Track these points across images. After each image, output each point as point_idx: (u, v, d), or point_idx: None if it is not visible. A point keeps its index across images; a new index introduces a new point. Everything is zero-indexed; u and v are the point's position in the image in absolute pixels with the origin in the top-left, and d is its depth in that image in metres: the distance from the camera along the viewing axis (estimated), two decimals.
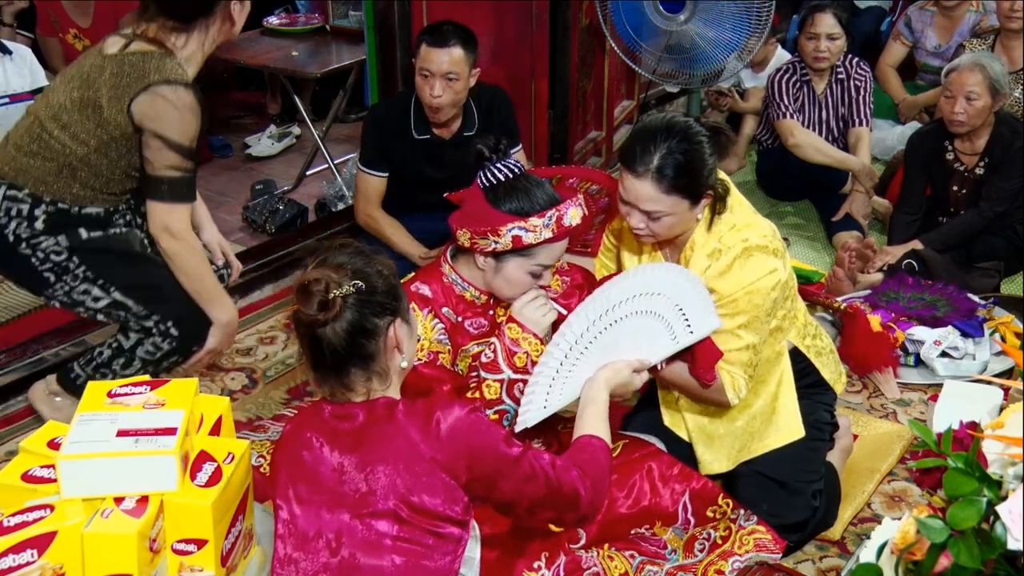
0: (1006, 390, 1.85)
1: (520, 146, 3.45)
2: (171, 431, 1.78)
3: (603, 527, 2.17)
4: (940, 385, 2.49)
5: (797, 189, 4.40)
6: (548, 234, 2.09)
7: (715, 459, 2.38)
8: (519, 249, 2.10)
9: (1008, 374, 3.01)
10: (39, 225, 2.48)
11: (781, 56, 4.84)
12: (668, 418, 2.44)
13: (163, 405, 1.85)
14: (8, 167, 2.50)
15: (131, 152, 2.46)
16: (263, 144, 4.98)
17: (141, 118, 2.38)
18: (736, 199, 2.24)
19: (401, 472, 1.70)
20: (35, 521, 1.69)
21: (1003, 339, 3.15)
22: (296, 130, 5.13)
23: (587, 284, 2.34)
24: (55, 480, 1.76)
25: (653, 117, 2.17)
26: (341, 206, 4.14)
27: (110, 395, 1.87)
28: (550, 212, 2.08)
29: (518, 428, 2.02)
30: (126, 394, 1.88)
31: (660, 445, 2.36)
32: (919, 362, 3.14)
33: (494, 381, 2.12)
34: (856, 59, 4.22)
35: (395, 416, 1.72)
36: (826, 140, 4.19)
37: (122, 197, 2.58)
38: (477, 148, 2.13)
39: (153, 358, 2.63)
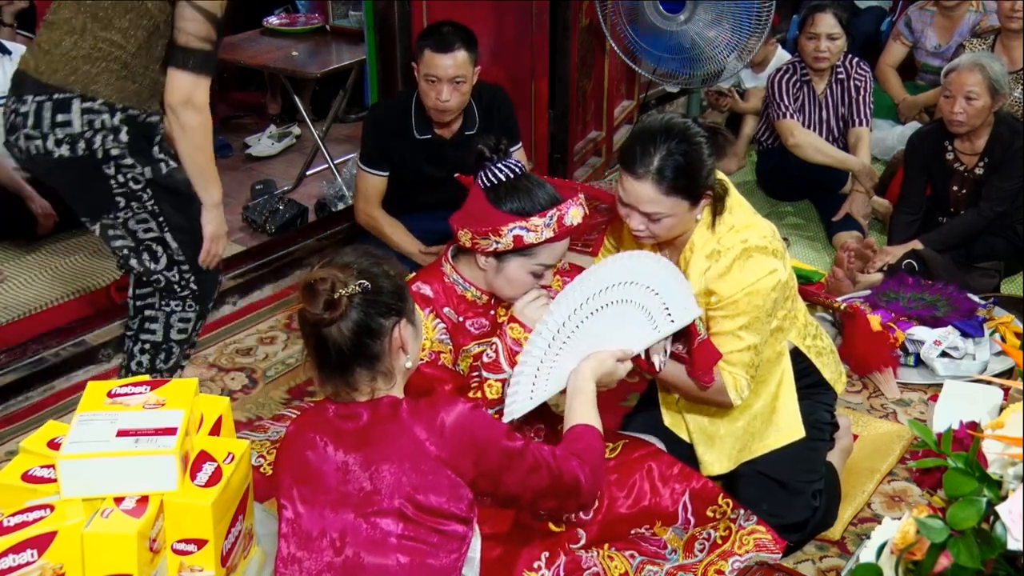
0: (1006, 390, 1.85)
1: (520, 145, 3.45)
2: (171, 431, 1.78)
3: (603, 527, 2.17)
4: (940, 385, 2.49)
5: (797, 189, 4.40)
6: (549, 234, 2.09)
7: (716, 459, 2.38)
8: (520, 249, 2.10)
9: (1008, 374, 3.01)
10: (123, 137, 2.44)
11: (781, 56, 4.84)
12: (668, 419, 2.44)
13: (163, 405, 1.85)
14: (72, 77, 2.41)
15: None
16: (263, 144, 4.98)
17: None
18: (735, 200, 2.24)
19: (407, 471, 1.70)
20: (35, 521, 1.69)
21: (1003, 339, 3.15)
22: (296, 130, 5.13)
23: None
24: (55, 480, 1.76)
25: (652, 119, 2.18)
26: (341, 206, 4.14)
27: (110, 395, 1.87)
28: (551, 212, 2.09)
29: (505, 419, 2.03)
30: (126, 394, 1.88)
31: (660, 445, 2.36)
32: (919, 362, 3.14)
33: (496, 381, 2.12)
34: (856, 59, 4.22)
35: (399, 415, 1.73)
36: (826, 140, 4.19)
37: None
38: (478, 148, 2.13)
39: (186, 335, 2.68)
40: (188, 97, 2.45)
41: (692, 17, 4.12)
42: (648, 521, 2.21)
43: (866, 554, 1.62)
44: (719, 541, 2.27)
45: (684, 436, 2.41)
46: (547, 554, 2.10)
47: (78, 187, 2.54)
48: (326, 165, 4.47)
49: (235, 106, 5.61)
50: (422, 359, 2.11)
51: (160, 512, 1.77)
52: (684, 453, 2.36)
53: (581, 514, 2.14)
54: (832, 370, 2.48)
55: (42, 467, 1.83)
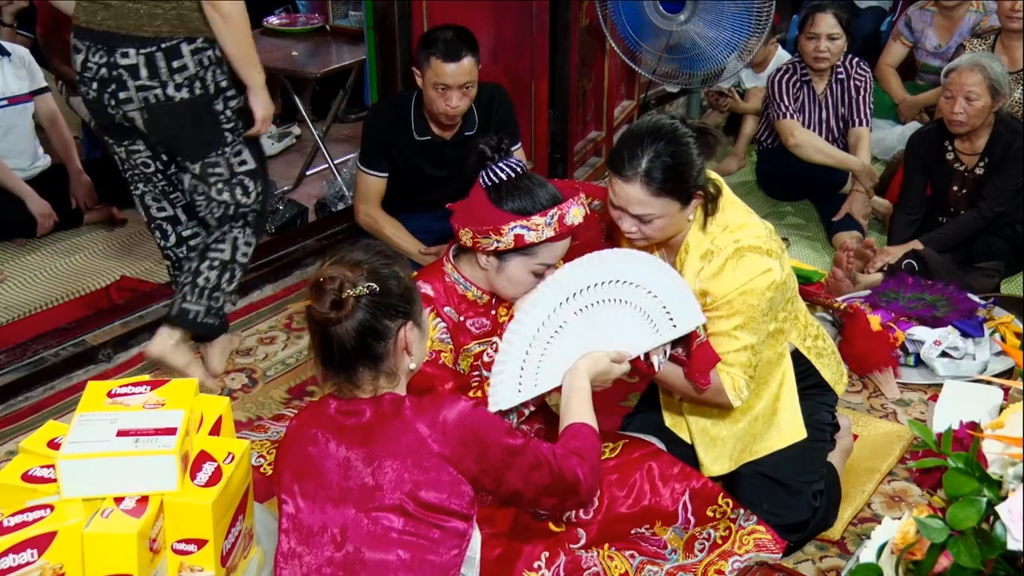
0: (1006, 390, 1.85)
1: (519, 144, 3.45)
2: (171, 431, 1.78)
3: (603, 527, 2.17)
4: (940, 385, 2.49)
5: (797, 189, 4.40)
6: (550, 233, 2.09)
7: (716, 460, 2.38)
8: (521, 248, 2.10)
9: (1008, 374, 3.01)
10: (225, 67, 2.64)
11: (781, 56, 4.84)
12: (670, 420, 2.44)
13: (163, 405, 1.85)
14: (169, 25, 2.54)
15: None
16: (263, 144, 4.98)
17: None
18: (728, 200, 2.24)
19: (409, 467, 1.71)
20: (35, 521, 1.69)
21: (1003, 339, 3.15)
22: (296, 130, 5.13)
23: None
24: (55, 480, 1.76)
25: (639, 121, 2.19)
26: (341, 206, 4.14)
27: (110, 395, 1.87)
28: (552, 211, 2.09)
29: (491, 409, 2.04)
30: (126, 394, 1.88)
31: (660, 445, 2.36)
32: (919, 362, 3.14)
33: None
34: (856, 59, 4.22)
35: (402, 412, 1.74)
36: (826, 140, 4.19)
37: None
38: (479, 148, 2.14)
39: (247, 260, 2.86)
40: None
41: (692, 17, 4.12)
42: (648, 521, 2.21)
43: (866, 554, 1.62)
44: (719, 541, 2.27)
45: (685, 437, 2.41)
46: (547, 554, 2.10)
47: (190, 128, 2.65)
48: (326, 165, 4.47)
49: None
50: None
51: (160, 512, 1.77)
52: (684, 453, 2.36)
53: (581, 514, 2.14)
54: (833, 371, 2.48)
55: (42, 467, 1.83)
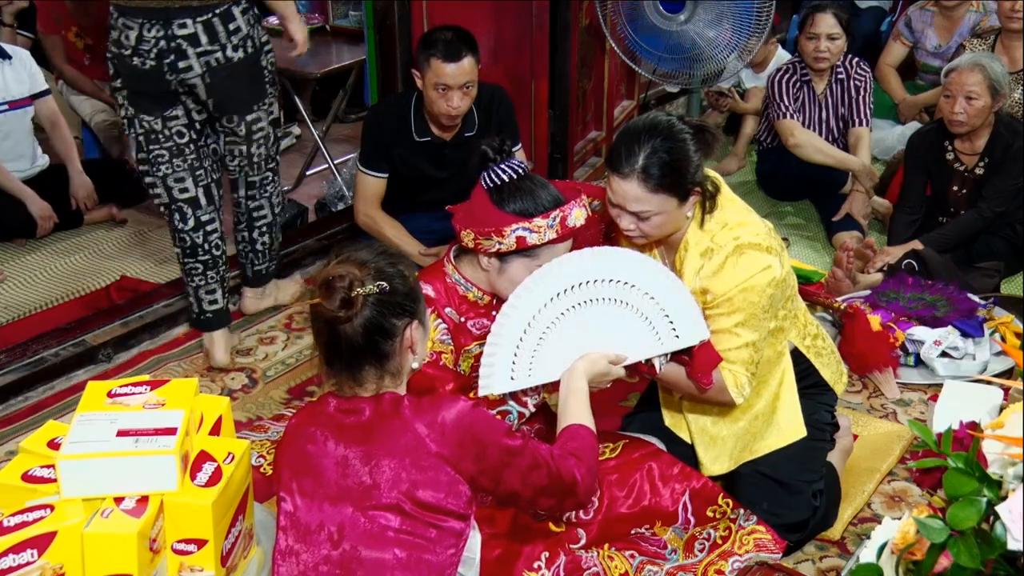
0: (1006, 390, 1.85)
1: (520, 144, 3.45)
2: (171, 431, 1.78)
3: (603, 527, 2.17)
4: (940, 385, 2.49)
5: (797, 189, 4.40)
6: (552, 235, 2.10)
7: (716, 459, 2.38)
8: (523, 250, 2.11)
9: (1008, 374, 3.01)
10: (263, 24, 2.92)
11: (781, 56, 4.84)
12: (669, 419, 2.44)
13: (163, 405, 1.85)
14: None
15: None
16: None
17: None
18: (727, 197, 2.24)
19: (407, 466, 1.71)
20: (35, 521, 1.69)
21: (1003, 339, 3.15)
22: (296, 130, 5.13)
23: None
24: (55, 480, 1.76)
25: (636, 119, 2.19)
26: (341, 206, 4.14)
27: (110, 395, 1.87)
28: (554, 213, 2.09)
29: (480, 393, 2.05)
30: (126, 394, 1.88)
31: (660, 445, 2.36)
32: (919, 362, 3.14)
33: None
34: (856, 59, 4.22)
35: (402, 411, 1.74)
36: (826, 140, 4.18)
37: None
38: (481, 149, 2.14)
39: (280, 209, 3.25)
40: None
41: (692, 17, 4.12)
42: (648, 521, 2.21)
43: (866, 554, 1.62)
44: (719, 541, 2.27)
45: (685, 436, 2.41)
46: (547, 554, 2.10)
47: (245, 83, 2.89)
48: (326, 165, 4.46)
49: None
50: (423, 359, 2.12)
51: (160, 512, 1.77)
52: (684, 453, 2.36)
53: (581, 514, 2.14)
54: (832, 371, 2.48)
55: (42, 467, 1.83)
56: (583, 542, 2.15)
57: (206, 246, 3.06)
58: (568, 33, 4.10)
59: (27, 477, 1.82)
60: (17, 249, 3.92)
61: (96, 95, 4.54)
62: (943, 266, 3.50)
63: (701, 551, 2.25)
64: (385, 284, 1.72)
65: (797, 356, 2.40)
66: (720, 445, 2.37)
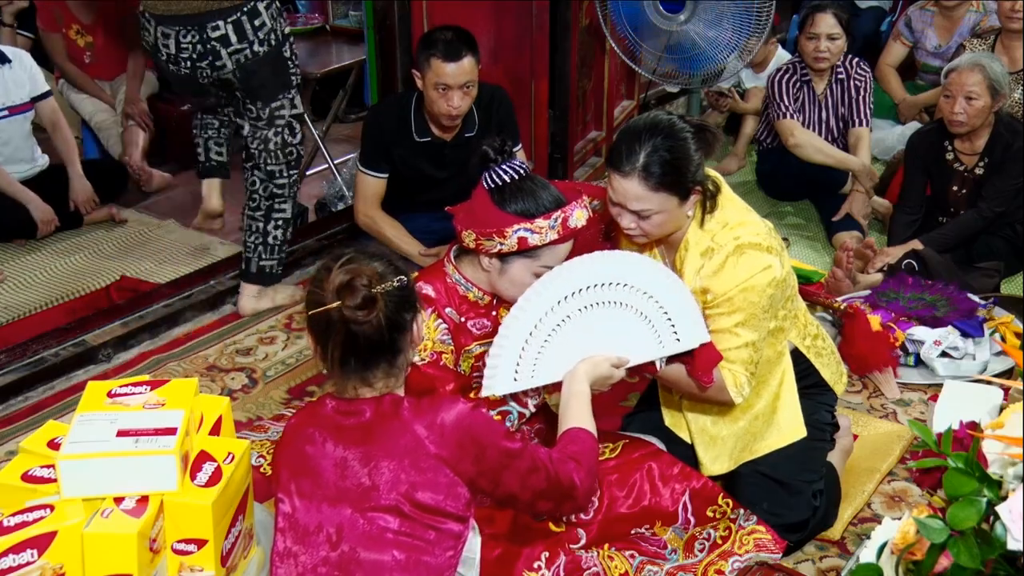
0: (1006, 390, 1.85)
1: (520, 144, 3.45)
2: (171, 431, 1.78)
3: (603, 527, 2.17)
4: (940, 385, 2.49)
5: (797, 189, 4.40)
6: (554, 236, 2.10)
7: (716, 459, 2.38)
8: (525, 250, 2.11)
9: (1008, 374, 3.01)
10: (284, 14, 3.08)
11: (781, 56, 4.84)
12: (669, 419, 2.44)
13: (163, 405, 1.85)
14: None
15: None
16: None
17: None
18: (727, 197, 2.24)
19: (406, 468, 1.71)
20: (35, 521, 1.69)
21: (1003, 339, 3.15)
22: None
23: None
24: (55, 480, 1.76)
25: (637, 118, 2.19)
26: (341, 206, 4.14)
27: (110, 395, 1.87)
28: (556, 213, 2.10)
29: (484, 393, 2.05)
30: (126, 394, 1.88)
31: (660, 445, 2.36)
32: (919, 362, 3.14)
33: None
34: (856, 59, 4.22)
35: (401, 412, 1.74)
36: (826, 140, 4.18)
37: None
38: (482, 150, 2.14)
39: (297, 208, 3.41)
40: None
41: (692, 17, 4.12)
42: (648, 521, 2.21)
43: (866, 554, 1.62)
44: (719, 541, 2.27)
45: (685, 436, 2.41)
46: (547, 554, 2.10)
47: (269, 74, 3.08)
48: (326, 165, 4.46)
49: None
50: (424, 359, 2.12)
51: (160, 512, 1.78)
52: (684, 453, 2.36)
53: (581, 514, 2.14)
54: (832, 371, 2.48)
55: (42, 467, 1.84)
56: (583, 542, 2.15)
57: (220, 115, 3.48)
58: (568, 33, 4.10)
59: (27, 477, 1.82)
60: (17, 249, 3.92)
61: (97, 94, 4.54)
62: (943, 266, 3.50)
63: (701, 551, 2.25)
64: (404, 278, 1.75)
65: (797, 356, 2.40)
66: (720, 445, 2.37)
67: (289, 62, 3.13)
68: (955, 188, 3.69)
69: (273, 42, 3.02)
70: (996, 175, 3.58)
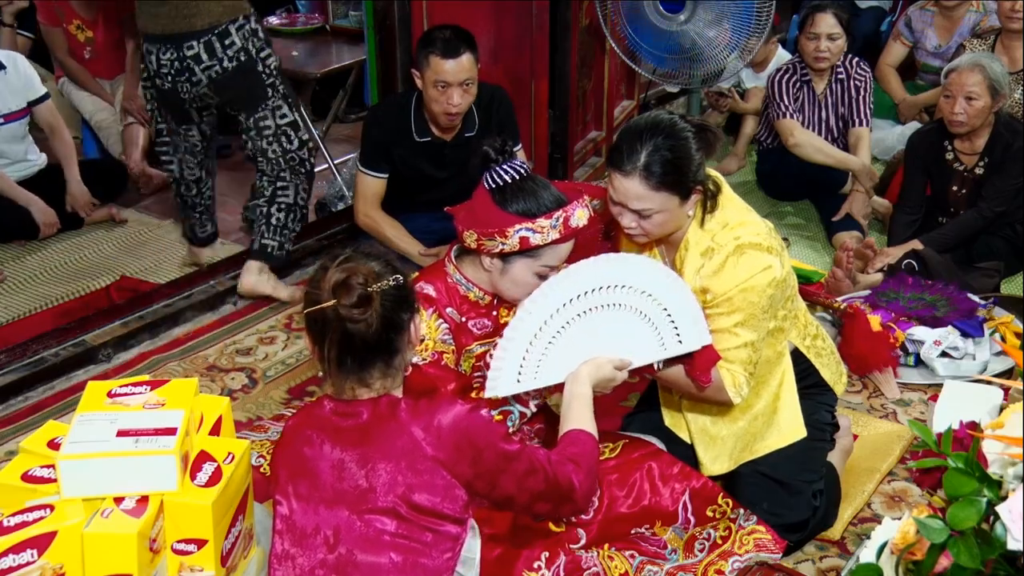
0: (1006, 390, 1.85)
1: (520, 144, 3.45)
2: (171, 431, 1.78)
3: (603, 527, 2.17)
4: (940, 385, 2.49)
5: (797, 189, 4.40)
6: (555, 235, 2.10)
7: (716, 459, 2.38)
8: (526, 250, 2.11)
9: (1008, 374, 3.01)
10: (260, 34, 3.28)
11: (781, 56, 4.84)
12: (669, 419, 2.44)
13: (163, 405, 1.85)
14: (215, 16, 3.17)
15: None
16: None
17: None
18: (728, 197, 2.24)
19: (403, 470, 1.71)
20: (35, 521, 1.69)
21: (1003, 339, 3.15)
22: None
23: None
24: (55, 480, 1.76)
25: (638, 117, 2.19)
26: (341, 206, 4.14)
27: (110, 395, 1.87)
28: (557, 213, 2.10)
29: (487, 394, 2.04)
30: (126, 394, 1.88)
31: (660, 445, 2.36)
32: (919, 362, 3.14)
33: None
34: (856, 59, 4.22)
35: (398, 414, 1.74)
36: (826, 140, 4.18)
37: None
38: (483, 150, 2.14)
39: (305, 201, 3.48)
40: None
41: (692, 17, 4.11)
42: (648, 521, 2.21)
43: (866, 554, 1.62)
44: (719, 541, 2.27)
45: (685, 436, 2.41)
46: (547, 554, 2.10)
47: (244, 88, 3.29)
48: (326, 165, 4.46)
49: None
50: (425, 359, 2.12)
51: (160, 512, 1.77)
52: (684, 453, 2.36)
53: (581, 514, 2.14)
54: (832, 371, 2.48)
55: (42, 467, 1.83)
56: (583, 542, 2.15)
57: (199, 198, 3.67)
58: (568, 33, 4.10)
59: (27, 477, 1.82)
60: (17, 249, 3.92)
61: (97, 92, 4.53)
62: (943, 266, 3.50)
63: (701, 551, 2.25)
64: (400, 277, 1.74)
65: (797, 356, 2.40)
66: (720, 445, 2.37)
67: (263, 76, 3.29)
68: (955, 188, 3.69)
69: (243, 58, 3.23)
70: (996, 175, 3.58)
